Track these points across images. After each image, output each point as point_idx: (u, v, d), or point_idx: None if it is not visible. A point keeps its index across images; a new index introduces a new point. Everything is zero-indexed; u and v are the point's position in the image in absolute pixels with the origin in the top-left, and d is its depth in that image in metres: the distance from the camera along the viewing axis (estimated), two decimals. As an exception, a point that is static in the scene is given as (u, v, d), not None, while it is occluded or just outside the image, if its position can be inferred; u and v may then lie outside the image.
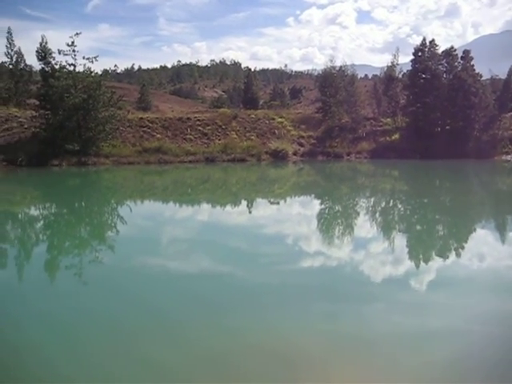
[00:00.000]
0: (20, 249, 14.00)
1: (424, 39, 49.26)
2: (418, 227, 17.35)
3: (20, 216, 19.73)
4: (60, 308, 8.66)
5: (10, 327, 7.77)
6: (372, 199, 24.11)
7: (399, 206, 22.49)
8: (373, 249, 13.57)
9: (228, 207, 21.63)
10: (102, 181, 31.67)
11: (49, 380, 6.17)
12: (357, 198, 24.50)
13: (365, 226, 17.02)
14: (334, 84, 50.84)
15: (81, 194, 25.42)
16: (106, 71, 46.82)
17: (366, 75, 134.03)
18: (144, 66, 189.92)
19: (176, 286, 9.86)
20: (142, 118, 44.46)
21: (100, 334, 7.48)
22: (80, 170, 33.91)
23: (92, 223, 18.19)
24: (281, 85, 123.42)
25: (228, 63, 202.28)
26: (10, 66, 50.28)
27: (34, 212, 20.85)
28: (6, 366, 6.52)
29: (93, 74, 39.26)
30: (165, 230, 16.71)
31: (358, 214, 19.85)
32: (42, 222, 18.28)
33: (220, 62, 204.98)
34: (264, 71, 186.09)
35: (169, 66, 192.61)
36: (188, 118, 45.90)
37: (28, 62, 52.42)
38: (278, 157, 41.84)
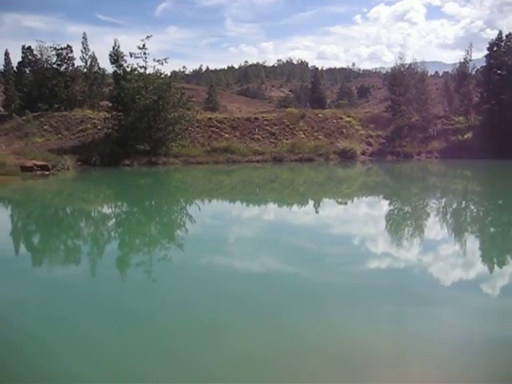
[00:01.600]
0: (93, 245, 14.41)
1: (500, 33, 47.26)
2: (492, 230, 16.61)
3: (93, 214, 20.35)
4: (128, 304, 8.81)
5: (85, 320, 7.98)
6: (443, 200, 23.35)
7: (472, 207, 21.66)
8: (443, 251, 13.11)
9: (295, 207, 21.51)
10: (171, 180, 32.25)
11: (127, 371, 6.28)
12: (427, 198, 23.79)
13: (435, 227, 16.48)
14: (403, 82, 49.74)
15: (151, 193, 25.95)
16: (175, 73, 47.89)
17: (436, 72, 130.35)
18: (212, 67, 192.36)
19: (241, 285, 9.83)
20: (210, 119, 45.01)
21: (168, 331, 7.56)
22: (150, 170, 34.66)
23: (162, 222, 18.52)
24: (348, 84, 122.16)
25: (295, 63, 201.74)
26: (85, 70, 52.10)
27: (106, 210, 21.46)
28: (89, 359, 6.68)
29: (163, 76, 40.13)
30: (232, 229, 16.77)
31: (428, 215, 19.26)
32: (113, 220, 18.77)
33: (287, 61, 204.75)
34: (331, 70, 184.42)
35: (236, 66, 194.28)
36: (256, 118, 46.08)
37: (101, 66, 54.31)
38: (346, 156, 41.33)
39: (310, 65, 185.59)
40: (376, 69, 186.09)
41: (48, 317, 8.26)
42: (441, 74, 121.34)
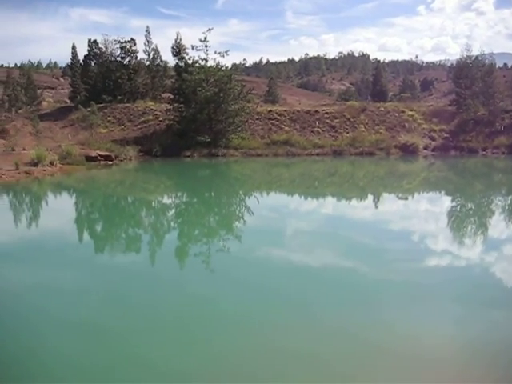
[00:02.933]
0: (153, 235, 14.62)
1: None
2: None
3: (154, 204, 20.68)
4: (186, 292, 8.87)
5: (144, 306, 8.09)
6: (509, 198, 22.48)
7: (542, 204, 20.75)
8: (508, 251, 12.61)
9: (354, 201, 21.19)
10: (230, 172, 32.41)
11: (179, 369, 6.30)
12: (492, 196, 22.93)
13: (499, 226, 15.81)
14: (469, 75, 48.07)
15: (210, 184, 26.15)
16: (235, 65, 47.92)
17: (505, 64, 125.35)
18: (272, 60, 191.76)
19: (297, 280, 9.70)
20: (270, 111, 44.92)
21: (224, 322, 7.56)
22: (210, 161, 34.94)
23: (220, 213, 18.61)
24: (411, 76, 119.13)
25: (356, 55, 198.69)
26: (148, 63, 52.93)
27: (166, 200, 21.77)
28: (155, 342, 6.76)
29: (223, 68, 40.29)
30: (290, 222, 16.66)
31: (493, 213, 18.53)
32: (173, 211, 19.01)
33: (348, 53, 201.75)
34: (393, 63, 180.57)
35: (296, 58, 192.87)
36: (316, 111, 45.68)
37: (163, 58, 55.05)
38: (408, 151, 40.34)
39: (371, 57, 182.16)
40: (440, 61, 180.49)
41: (110, 301, 8.43)
42: (510, 66, 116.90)
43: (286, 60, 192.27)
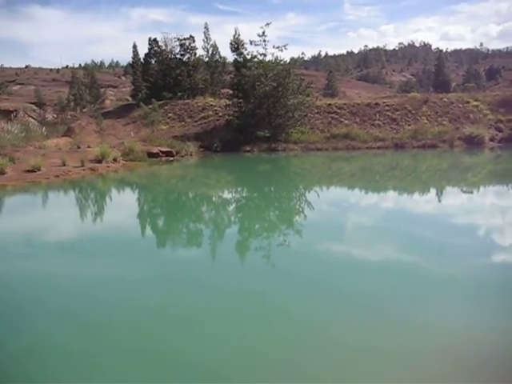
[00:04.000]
0: (214, 229, 14.68)
1: None
2: None
3: (214, 199, 20.82)
4: (247, 287, 8.83)
5: (206, 301, 8.11)
6: None
7: None
8: None
9: (416, 195, 20.64)
10: (290, 166, 32.27)
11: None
12: None
13: None
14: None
15: (270, 179, 26.11)
16: (294, 59, 47.53)
17: None
18: (330, 53, 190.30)
19: (358, 274, 9.49)
20: (329, 105, 44.49)
21: (281, 317, 7.48)
22: (270, 156, 34.92)
23: (280, 208, 18.53)
24: (475, 65, 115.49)
25: (417, 45, 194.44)
26: (207, 59, 53.47)
27: (226, 195, 21.87)
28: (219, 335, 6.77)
29: (282, 63, 40.14)
30: (350, 216, 16.39)
31: None
32: (233, 205, 19.06)
33: (408, 44, 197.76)
34: (456, 52, 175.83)
35: (355, 51, 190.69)
36: (376, 104, 44.88)
37: (222, 54, 55.50)
38: (473, 143, 38.98)
39: (433, 47, 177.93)
40: (507, 48, 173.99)
41: (172, 296, 8.49)
42: None
43: (344, 52, 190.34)
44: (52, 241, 13.18)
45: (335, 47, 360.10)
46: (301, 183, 24.73)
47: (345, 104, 45.07)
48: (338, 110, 43.43)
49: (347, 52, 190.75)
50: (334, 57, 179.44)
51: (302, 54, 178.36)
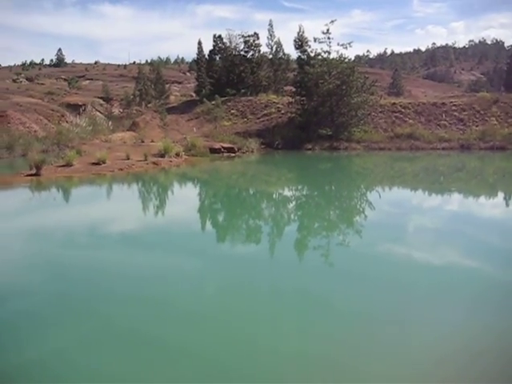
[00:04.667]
0: (273, 227, 14.66)
1: None
2: None
3: (274, 196, 20.80)
4: (304, 286, 8.76)
5: (263, 298, 8.10)
6: None
7: None
8: None
9: (482, 199, 19.98)
10: (352, 165, 31.89)
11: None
12: None
13: None
14: None
15: (331, 177, 25.90)
16: (358, 57, 47.39)
17: None
18: (396, 50, 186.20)
19: (418, 277, 9.26)
20: (394, 104, 43.70)
21: (344, 316, 7.38)
22: (331, 155, 34.63)
23: (341, 207, 18.33)
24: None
25: (488, 43, 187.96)
26: (270, 56, 53.52)
27: (287, 193, 21.82)
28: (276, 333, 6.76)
29: (346, 61, 39.70)
30: (412, 217, 15.98)
31: None
32: (293, 203, 19.00)
33: (479, 41, 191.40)
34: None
35: (422, 48, 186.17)
36: (443, 103, 43.74)
37: (286, 52, 55.49)
38: (546, 145, 37.35)
39: (506, 44, 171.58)
40: None
41: (229, 293, 8.53)
42: None
43: (411, 50, 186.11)
44: (115, 232, 13.51)
45: (402, 45, 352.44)
46: (362, 183, 24.38)
47: (410, 103, 44.15)
48: (403, 110, 42.59)
49: (414, 50, 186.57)
50: (401, 54, 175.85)
51: (367, 51, 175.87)
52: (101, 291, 8.61)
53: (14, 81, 71.49)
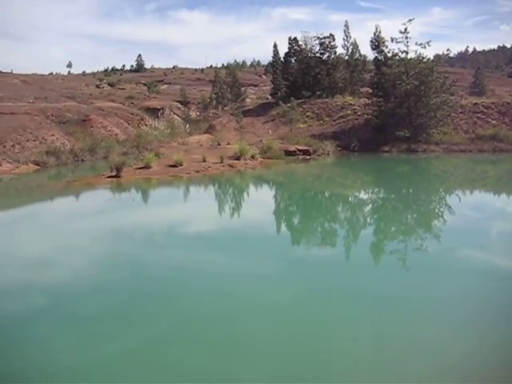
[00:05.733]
0: (348, 230, 14.53)
1: None
2: None
3: (350, 199, 20.57)
4: (379, 290, 8.61)
5: (336, 299, 8.04)
6: None
7: None
8: None
9: None
10: (431, 168, 31.01)
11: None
12: None
13: None
14: None
15: (409, 180, 25.33)
16: (438, 56, 45.53)
17: None
18: (479, 48, 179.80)
19: (498, 283, 8.91)
20: (476, 104, 42.11)
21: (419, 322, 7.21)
22: (409, 157, 33.83)
23: (419, 211, 17.90)
24: None
25: None
26: (346, 57, 52.94)
27: (363, 196, 21.52)
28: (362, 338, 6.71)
29: (425, 60, 38.65)
30: (494, 223, 15.34)
31: None
32: (369, 206, 18.73)
33: None
34: None
35: (508, 45, 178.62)
36: (531, 103, 41.74)
37: (362, 52, 54.73)
38: None
39: None
40: None
41: (305, 293, 8.52)
42: None
43: (495, 47, 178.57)
44: (192, 232, 13.80)
45: (485, 42, 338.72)
46: (441, 186, 23.67)
47: (493, 103, 42.38)
48: (485, 110, 40.95)
49: (498, 47, 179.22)
50: (483, 52, 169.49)
51: (447, 50, 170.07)
52: (179, 290, 8.84)
53: (97, 86, 74.44)
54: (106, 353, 6.52)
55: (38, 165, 27.67)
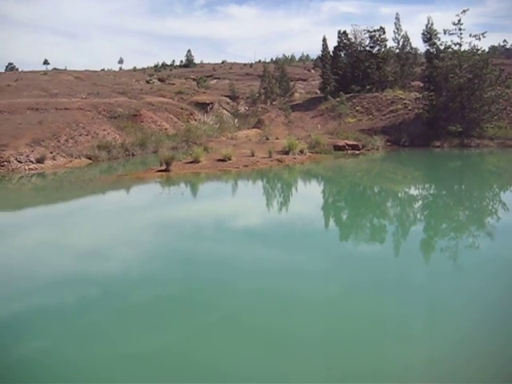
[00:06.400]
0: (398, 226, 14.29)
1: None
2: None
3: (400, 195, 20.24)
4: (426, 289, 8.46)
5: (381, 298, 7.94)
6: None
7: None
8: None
9: None
10: (484, 164, 30.18)
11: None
12: None
13: None
14: None
15: (461, 176, 24.73)
16: (493, 48, 44.31)
17: None
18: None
19: None
20: (534, 97, 40.71)
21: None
22: (461, 152, 33.02)
23: (471, 207, 17.45)
24: None
25: None
26: (397, 51, 52.05)
27: (413, 192, 21.13)
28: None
29: (479, 52, 37.62)
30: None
31: None
32: (419, 203, 18.38)
33: None
34: None
35: None
36: None
37: (413, 45, 53.73)
38: None
39: None
40: None
41: (354, 289, 8.45)
42: None
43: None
44: (240, 226, 13.90)
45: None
46: (495, 182, 22.99)
47: (551, 96, 40.89)
48: (545, 103, 39.52)
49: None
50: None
51: (504, 41, 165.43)
52: (227, 283, 8.89)
53: (148, 82, 75.43)
54: (159, 342, 6.63)
55: (90, 159, 28.41)
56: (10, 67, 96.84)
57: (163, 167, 23.13)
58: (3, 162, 24.44)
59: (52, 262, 10.57)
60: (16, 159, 24.87)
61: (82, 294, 8.54)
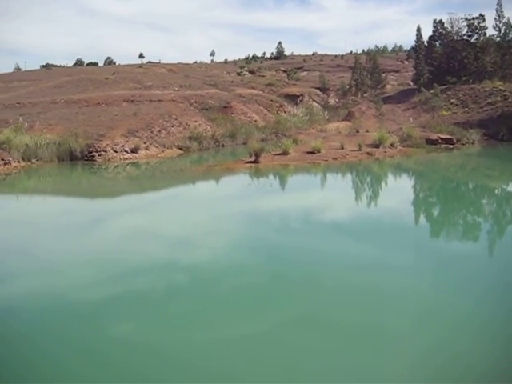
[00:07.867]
0: (493, 224, 13.68)
1: None
2: None
3: (497, 191, 19.35)
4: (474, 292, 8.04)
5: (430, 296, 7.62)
6: None
7: None
8: None
9: None
10: None
11: None
12: None
13: None
14: None
15: None
16: None
17: None
18: None
19: None
20: None
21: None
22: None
23: None
24: None
25: None
26: (497, 39, 49.52)
27: (511, 188, 20.13)
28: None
29: None
30: None
31: None
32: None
33: None
34: None
35: None
36: None
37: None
38: None
39: None
40: None
41: (445, 287, 8.18)
42: None
43: None
44: (327, 220, 13.83)
45: None
46: None
47: None
48: None
49: None
50: None
51: None
52: (312, 277, 8.85)
53: (238, 74, 76.24)
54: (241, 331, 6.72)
55: (181, 149, 29.16)
56: (109, 61, 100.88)
57: (252, 158, 23.33)
58: (101, 151, 25.52)
59: (144, 249, 10.92)
60: (112, 149, 25.89)
61: (171, 280, 8.81)
